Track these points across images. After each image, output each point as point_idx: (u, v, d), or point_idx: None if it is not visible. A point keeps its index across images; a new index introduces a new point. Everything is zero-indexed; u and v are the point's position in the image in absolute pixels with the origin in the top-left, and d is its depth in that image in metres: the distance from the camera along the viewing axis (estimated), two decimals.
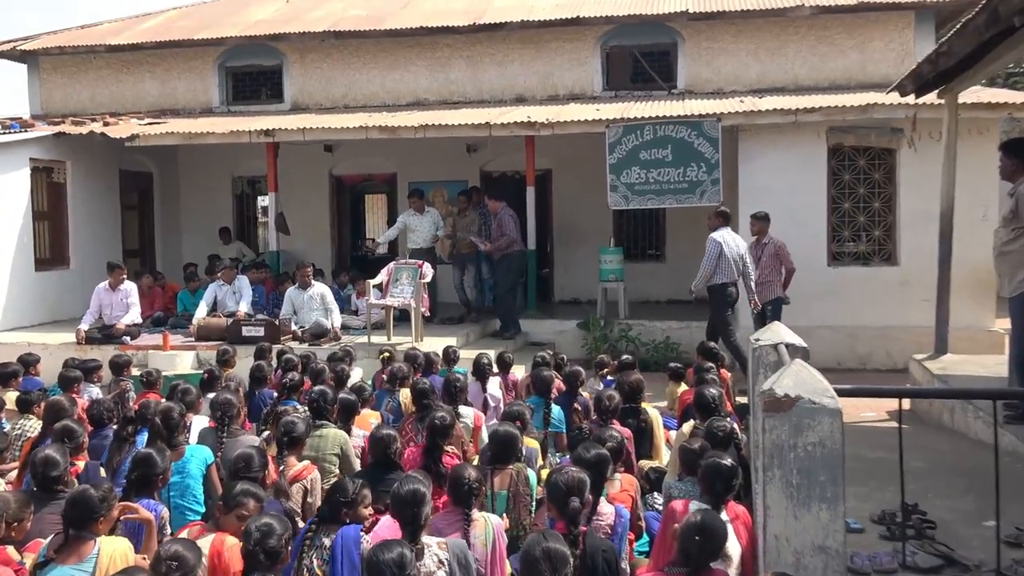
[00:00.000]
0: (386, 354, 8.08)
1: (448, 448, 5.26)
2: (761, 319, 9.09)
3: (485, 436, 6.47)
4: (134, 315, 10.64)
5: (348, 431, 5.71)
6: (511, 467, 4.68)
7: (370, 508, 4.09)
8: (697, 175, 10.88)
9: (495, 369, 7.75)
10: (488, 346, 10.25)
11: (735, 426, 4.94)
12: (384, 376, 7.20)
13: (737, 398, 7.40)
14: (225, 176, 15.58)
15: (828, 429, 3.19)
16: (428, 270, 10.25)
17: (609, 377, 7.80)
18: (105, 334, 10.29)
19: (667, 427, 6.67)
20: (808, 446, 3.20)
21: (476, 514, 3.98)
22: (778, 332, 4.68)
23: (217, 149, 13.45)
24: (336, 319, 10.27)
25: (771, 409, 3.23)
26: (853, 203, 11.07)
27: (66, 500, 3.83)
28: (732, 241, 9.33)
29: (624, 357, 7.88)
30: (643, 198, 11.12)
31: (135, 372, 8.35)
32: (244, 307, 10.74)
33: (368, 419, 6.14)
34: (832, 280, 10.86)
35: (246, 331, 9.89)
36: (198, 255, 14.51)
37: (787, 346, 4.18)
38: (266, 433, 5.90)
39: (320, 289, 10.45)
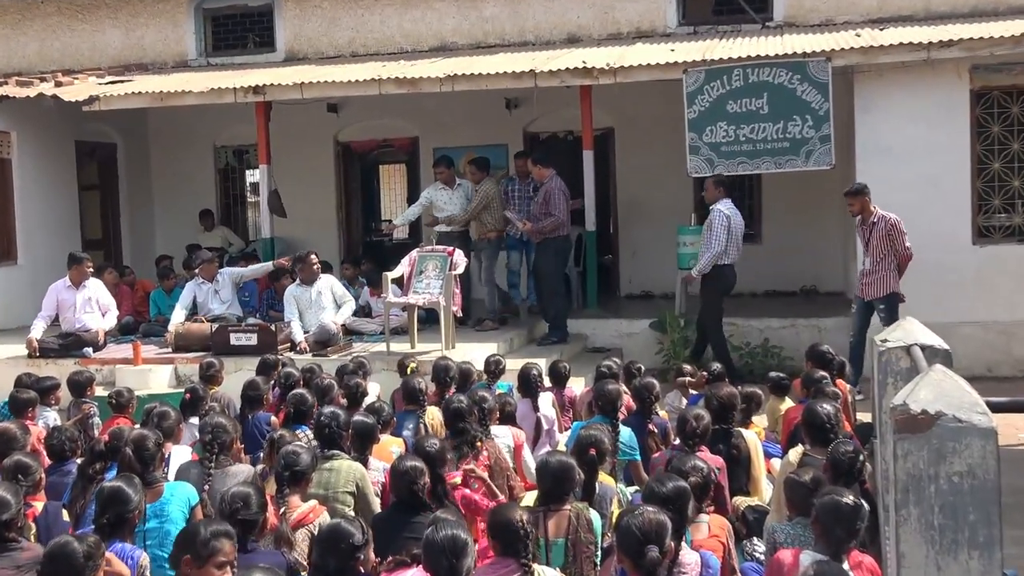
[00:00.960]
0: (412, 365, 8.14)
1: (476, 472, 5.30)
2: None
3: (529, 458, 6.50)
4: (111, 319, 10.85)
5: (365, 463, 5.75)
6: (568, 507, 4.68)
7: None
8: (801, 131, 10.78)
9: (547, 383, 7.76)
10: (537, 354, 10.26)
11: (859, 452, 4.89)
12: (411, 392, 7.24)
13: (858, 415, 7.32)
14: (206, 146, 15.84)
15: (979, 454, 3.15)
16: (460, 259, 10.30)
17: (693, 392, 7.78)
18: (66, 343, 10.46)
19: (768, 454, 6.62)
20: (953, 477, 3.16)
21: (536, 568, 3.98)
22: (911, 331, 4.61)
23: (195, 112, 13.65)
24: (345, 313, 10.38)
25: (905, 430, 3.19)
26: (1005, 163, 10.87)
27: (44, 555, 3.86)
28: (737, 216, 10.49)
29: (712, 365, 7.85)
30: (732, 162, 11.05)
31: (100, 392, 8.50)
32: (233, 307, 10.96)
33: (388, 447, 6.19)
34: (979, 263, 10.68)
35: (235, 339, 10.03)
36: (174, 245, 14.77)
37: (923, 348, 4.13)
38: (260, 467, 5.96)
39: (327, 282, 10.57)
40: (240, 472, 5.58)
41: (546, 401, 7.43)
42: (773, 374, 7.91)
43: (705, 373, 7.97)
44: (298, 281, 10.61)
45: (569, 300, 12.11)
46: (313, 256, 10.66)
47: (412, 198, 14.84)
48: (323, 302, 10.44)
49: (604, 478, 5.35)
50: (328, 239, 15.20)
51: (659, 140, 13.46)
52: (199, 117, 14.49)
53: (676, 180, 13.10)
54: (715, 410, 6.05)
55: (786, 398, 7.59)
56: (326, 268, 11.34)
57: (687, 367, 8.33)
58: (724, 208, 10.46)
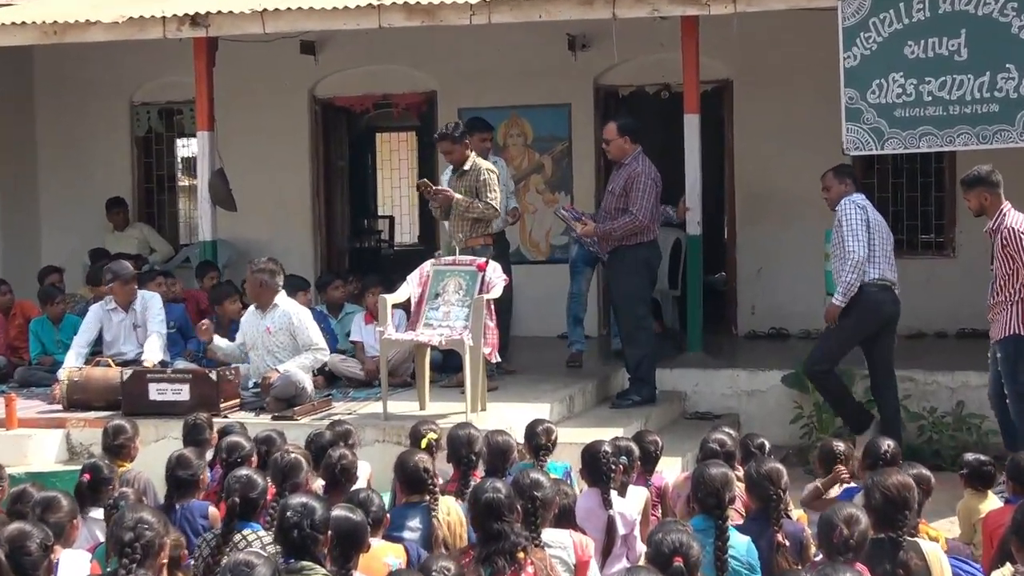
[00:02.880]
0: (432, 435, 8.13)
1: None
2: None
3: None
4: None
5: None
6: None
7: None
8: (1019, 87, 10.70)
9: (625, 464, 7.74)
10: (611, 421, 10.18)
11: None
12: (414, 474, 7.25)
13: None
14: (119, 104, 16.00)
15: None
16: (496, 276, 10.28)
17: (849, 482, 7.71)
18: None
19: (959, 573, 6.54)
20: None
21: None
22: None
23: (104, 55, 13.80)
24: (305, 364, 10.41)
25: None
26: None
27: None
28: (875, 213, 10.52)
29: (882, 443, 7.76)
30: (911, 133, 10.96)
31: None
32: (154, 349, 10.97)
33: (382, 557, 6.17)
34: None
35: (158, 392, 10.06)
36: (68, 251, 14.94)
37: None
38: None
39: (289, 312, 10.55)
40: None
41: (627, 499, 7.40)
42: (970, 456, 7.80)
43: (861, 453, 7.86)
44: (253, 306, 10.70)
45: (660, 340, 12.08)
46: (273, 261, 10.68)
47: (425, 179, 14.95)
48: (272, 345, 10.47)
49: None
50: (299, 243, 15.34)
51: (799, 100, 13.42)
52: (109, 62, 14.67)
53: (825, 160, 13.03)
54: (879, 508, 6.00)
55: (989, 493, 7.50)
56: (293, 285, 11.34)
57: (839, 444, 8.24)
58: (857, 199, 10.40)
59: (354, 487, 7.16)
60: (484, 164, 10.96)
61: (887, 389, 10.60)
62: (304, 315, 10.61)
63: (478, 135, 11.75)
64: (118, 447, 8.18)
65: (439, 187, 10.72)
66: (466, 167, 10.80)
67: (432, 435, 8.08)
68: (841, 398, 10.63)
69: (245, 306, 11.07)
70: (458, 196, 10.60)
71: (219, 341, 10.57)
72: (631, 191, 10.92)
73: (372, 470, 8.41)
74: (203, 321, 10.76)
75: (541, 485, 6.30)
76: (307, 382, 10.27)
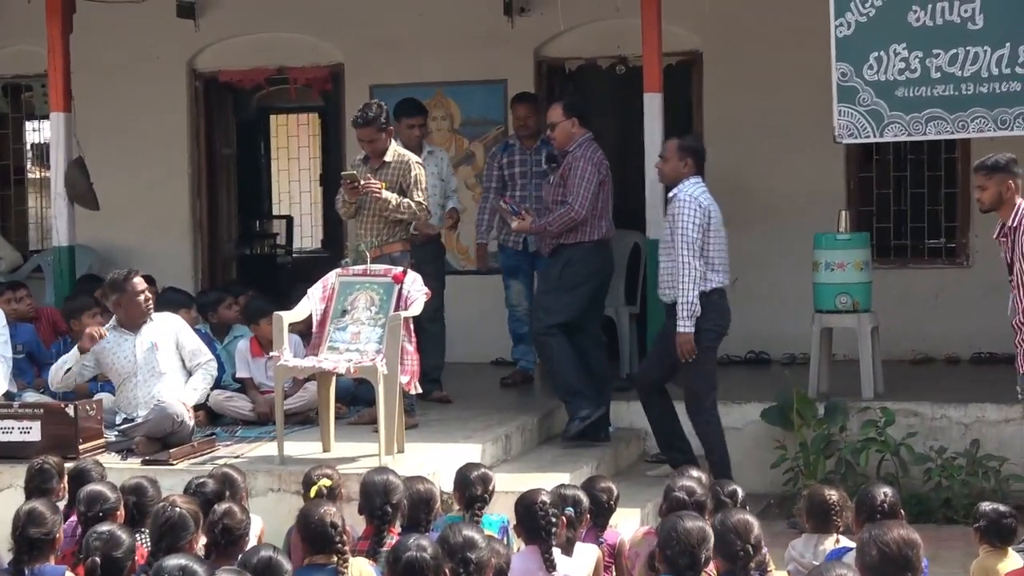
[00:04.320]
0: (323, 482, 8.14)
1: None
2: None
3: None
4: None
5: None
6: None
7: None
8: None
9: (571, 516, 7.75)
10: (553, 465, 10.24)
11: None
12: (319, 531, 7.24)
13: None
14: None
15: None
16: (416, 288, 10.27)
17: (840, 542, 7.76)
18: None
19: None
20: None
21: None
22: None
23: None
24: (199, 386, 10.40)
25: None
26: None
27: None
28: (714, 204, 10.74)
29: (878, 491, 7.80)
30: (916, 117, 11.03)
31: None
32: None
33: None
34: None
35: (2, 432, 9.99)
36: None
37: None
38: None
39: (166, 326, 10.54)
40: None
41: (574, 553, 7.42)
42: (987, 507, 7.82)
43: (854, 504, 7.89)
44: (113, 323, 10.62)
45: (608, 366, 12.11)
46: (138, 279, 10.64)
47: (330, 173, 14.89)
48: (159, 363, 10.41)
49: None
50: (175, 248, 15.34)
51: (782, 76, 13.55)
52: None
53: (812, 149, 13.15)
54: (875, 569, 6.04)
55: (1010, 551, 7.56)
56: (174, 301, 11.35)
57: (832, 493, 8.28)
58: (693, 190, 10.59)
59: (248, 551, 7.14)
60: (412, 157, 10.95)
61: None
62: (184, 328, 10.73)
63: (406, 120, 11.86)
64: None
65: (369, 181, 10.63)
66: (387, 158, 10.78)
67: (325, 481, 8.06)
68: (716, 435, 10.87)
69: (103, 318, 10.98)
70: (388, 194, 10.56)
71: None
72: (568, 179, 11.03)
73: (264, 526, 8.38)
74: (93, 328, 10.58)
75: (475, 544, 6.30)
76: (186, 416, 10.21)
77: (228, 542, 7.12)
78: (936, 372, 13.10)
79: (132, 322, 10.47)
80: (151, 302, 10.60)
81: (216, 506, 7.41)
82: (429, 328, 11.40)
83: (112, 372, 10.46)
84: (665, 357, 10.65)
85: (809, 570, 7.06)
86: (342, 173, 10.78)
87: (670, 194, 10.79)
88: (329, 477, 8.19)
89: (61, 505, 8.03)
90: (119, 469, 9.18)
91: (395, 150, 10.83)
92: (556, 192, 11.15)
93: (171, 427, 10.03)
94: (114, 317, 10.57)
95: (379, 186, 10.45)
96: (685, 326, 10.35)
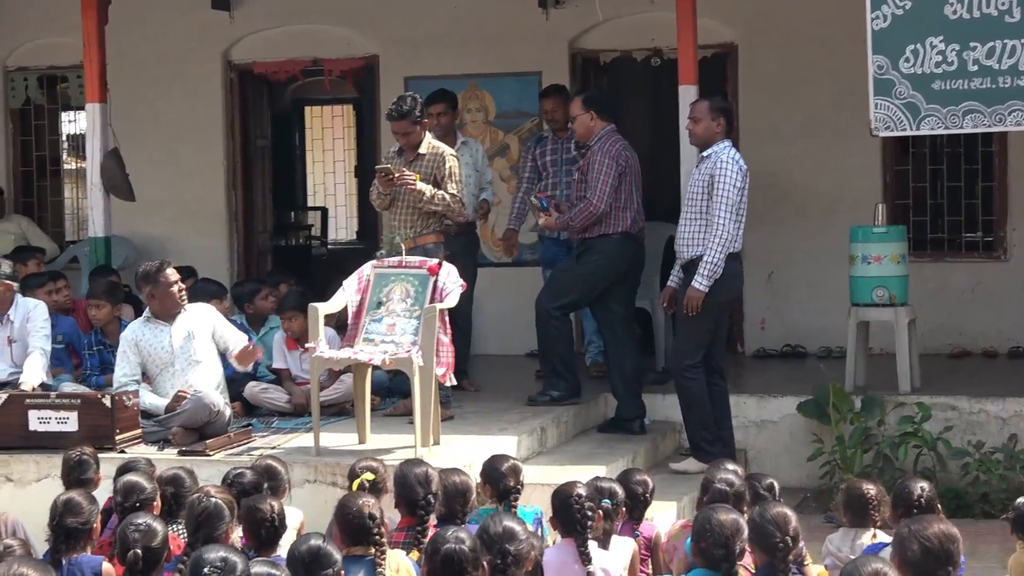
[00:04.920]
0: (367, 475, 8.12)
1: None
2: None
3: None
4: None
5: None
6: None
7: None
8: None
9: (608, 508, 7.74)
10: (589, 458, 10.24)
11: None
12: (357, 522, 7.23)
13: None
14: None
15: None
16: (452, 280, 10.25)
17: (877, 536, 7.72)
18: None
19: None
20: None
21: None
22: None
23: None
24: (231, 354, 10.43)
25: None
26: None
27: None
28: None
29: (915, 485, 7.76)
30: (952, 110, 10.98)
31: None
32: (35, 369, 10.92)
33: None
34: None
35: (40, 422, 10.00)
36: None
37: None
38: None
39: (201, 315, 10.54)
40: None
41: (610, 546, 7.41)
42: (1022, 501, 7.82)
43: (891, 498, 7.84)
44: (145, 315, 10.62)
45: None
46: (171, 271, 10.62)
47: (364, 165, 14.89)
48: (195, 352, 10.40)
49: None
50: (210, 240, 15.34)
51: (818, 69, 13.49)
52: None
53: (848, 143, 13.10)
54: (915, 563, 6.00)
55: None
56: (207, 292, 11.35)
57: (870, 487, 8.24)
58: (733, 153, 10.77)
59: (286, 539, 7.13)
60: (446, 149, 10.96)
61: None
62: (217, 316, 10.74)
63: (435, 107, 11.89)
64: None
65: (403, 172, 10.62)
66: (421, 150, 10.79)
67: (368, 475, 8.03)
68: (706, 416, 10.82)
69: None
70: (422, 185, 10.55)
71: (151, 399, 10.50)
72: (588, 175, 11.09)
73: (304, 517, 8.38)
74: (249, 345, 10.58)
75: (515, 536, 6.24)
76: (223, 406, 10.22)
77: (267, 534, 7.13)
78: (973, 366, 13.06)
79: (167, 312, 10.45)
80: (184, 292, 10.59)
81: (250, 498, 7.42)
82: (457, 319, 11.40)
83: (149, 362, 10.42)
84: (707, 324, 10.67)
85: (840, 564, 7.05)
86: (376, 166, 10.77)
87: (704, 153, 10.76)
88: (373, 471, 8.14)
89: (100, 496, 8.07)
90: (156, 459, 9.14)
91: (429, 142, 10.84)
92: (579, 188, 11.22)
93: (208, 417, 10.04)
94: (147, 309, 10.60)
95: (413, 178, 10.44)
96: (702, 284, 10.38)
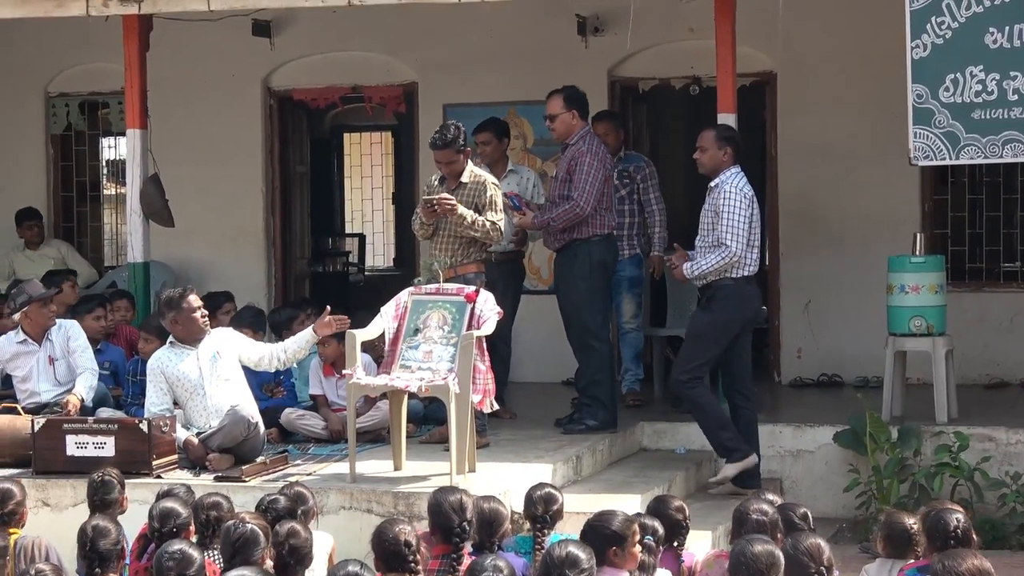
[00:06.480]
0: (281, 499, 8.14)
1: None
2: None
3: None
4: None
5: None
6: None
7: None
8: None
9: (647, 540, 7.70)
10: (624, 487, 10.23)
11: None
12: (393, 550, 7.21)
13: None
14: (30, 96, 16.00)
15: None
16: (489, 308, 10.23)
17: (910, 568, 7.67)
18: None
19: None
20: None
21: None
22: None
23: (12, 35, 13.79)
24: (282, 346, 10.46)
25: None
26: None
27: None
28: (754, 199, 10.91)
29: (952, 516, 7.71)
30: (992, 140, 10.92)
31: None
32: (86, 388, 10.94)
33: None
34: None
35: (77, 447, 10.00)
36: None
37: None
38: None
39: (225, 337, 10.55)
40: None
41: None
42: None
43: (927, 530, 7.79)
44: (170, 341, 10.62)
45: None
46: (193, 297, 10.60)
47: (403, 192, 14.86)
48: (223, 371, 10.42)
49: None
50: (248, 266, 15.40)
51: (856, 98, 13.46)
52: (19, 44, 14.69)
53: (886, 172, 13.07)
54: None
55: None
56: (245, 321, 11.37)
57: (911, 520, 8.18)
58: (738, 182, 10.73)
59: (316, 566, 7.13)
60: (488, 177, 11.02)
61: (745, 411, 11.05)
62: (240, 337, 10.77)
63: (480, 135, 12.03)
64: (8, 514, 8.12)
65: (443, 196, 10.65)
66: (464, 179, 10.82)
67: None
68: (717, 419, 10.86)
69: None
70: (463, 210, 10.57)
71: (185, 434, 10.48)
72: (573, 174, 11.15)
73: (335, 543, 8.38)
74: (326, 315, 10.44)
75: (578, 564, 6.18)
76: (259, 420, 10.27)
77: (295, 561, 7.13)
78: (1011, 397, 12.97)
79: (191, 338, 10.46)
80: (207, 318, 10.61)
81: (279, 525, 7.42)
82: (496, 345, 11.39)
83: (178, 388, 10.40)
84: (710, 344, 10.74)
85: None
86: (423, 197, 10.81)
87: (712, 183, 10.81)
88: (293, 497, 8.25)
89: (133, 520, 8.07)
90: (192, 485, 9.14)
91: (472, 171, 10.89)
92: (562, 187, 11.27)
93: (245, 431, 10.07)
94: (171, 336, 10.62)
95: (453, 201, 10.46)
96: (689, 270, 10.68)
